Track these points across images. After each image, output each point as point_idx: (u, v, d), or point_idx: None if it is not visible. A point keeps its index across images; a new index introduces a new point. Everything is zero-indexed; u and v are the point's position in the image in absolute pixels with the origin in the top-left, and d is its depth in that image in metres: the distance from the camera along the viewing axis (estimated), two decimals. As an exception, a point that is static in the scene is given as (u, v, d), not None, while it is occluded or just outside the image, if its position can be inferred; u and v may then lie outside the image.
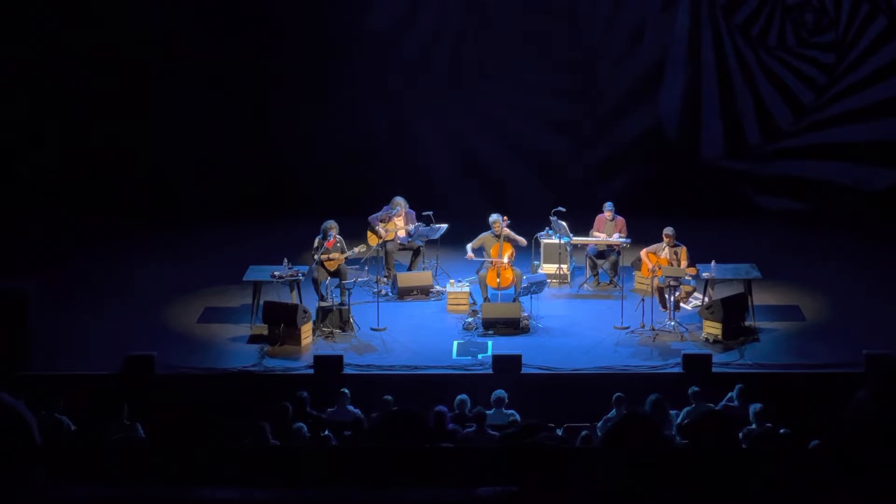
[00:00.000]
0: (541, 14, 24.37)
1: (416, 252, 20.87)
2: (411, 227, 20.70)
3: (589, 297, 20.25)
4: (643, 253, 19.53)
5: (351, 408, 15.95)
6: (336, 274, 19.46)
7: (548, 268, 20.66)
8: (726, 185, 24.56)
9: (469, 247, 19.73)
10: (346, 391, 16.10)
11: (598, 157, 24.71)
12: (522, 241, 19.84)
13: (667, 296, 18.87)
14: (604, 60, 24.52)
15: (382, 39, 24.52)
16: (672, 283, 18.77)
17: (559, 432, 14.42)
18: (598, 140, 24.71)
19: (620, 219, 20.55)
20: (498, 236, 19.67)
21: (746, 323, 18.69)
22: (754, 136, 24.66)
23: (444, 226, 20.81)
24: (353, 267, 20.21)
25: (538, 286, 19.22)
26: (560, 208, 20.58)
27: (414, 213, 20.91)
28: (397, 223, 20.69)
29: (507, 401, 15.68)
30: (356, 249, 19.67)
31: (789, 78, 24.57)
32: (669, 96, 24.60)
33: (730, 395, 15.86)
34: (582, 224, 20.82)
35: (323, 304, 19.01)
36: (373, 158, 24.71)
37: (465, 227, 20.96)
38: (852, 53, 24.41)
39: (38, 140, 24.23)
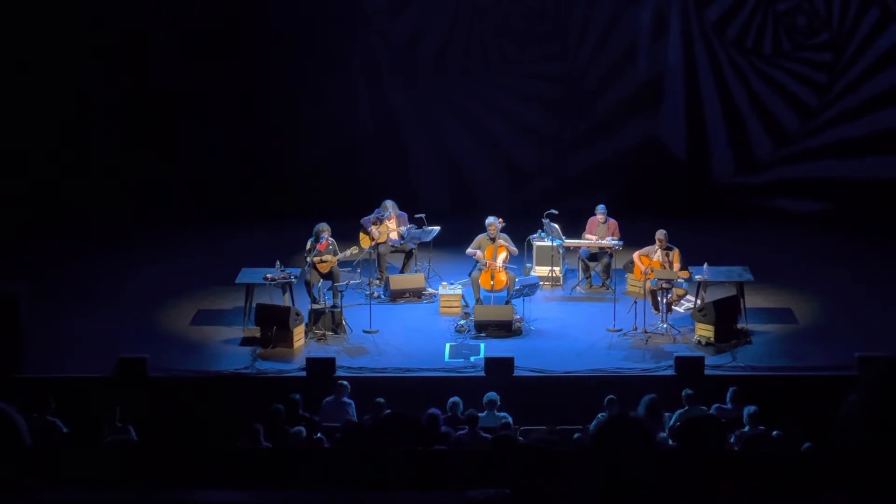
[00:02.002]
0: (536, 21, 24.43)
1: (409, 254, 20.87)
2: (403, 229, 20.70)
3: (581, 300, 20.26)
4: (636, 255, 19.53)
5: (346, 398, 16.01)
6: (328, 276, 19.46)
7: (540, 270, 20.67)
8: (722, 189, 24.62)
9: (469, 251, 19.74)
10: (346, 383, 16.18)
11: (591, 163, 24.72)
12: (514, 249, 19.82)
13: (659, 298, 18.87)
14: (594, 74, 24.56)
15: (374, 40, 24.55)
16: (664, 285, 18.78)
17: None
18: (590, 147, 24.71)
19: (613, 221, 20.56)
20: (493, 239, 19.67)
21: (739, 325, 18.71)
22: (764, 148, 24.76)
23: (437, 228, 20.80)
24: (346, 269, 20.21)
25: (530, 288, 19.22)
26: (552, 211, 20.58)
27: (406, 215, 20.91)
28: (389, 225, 20.69)
29: (499, 403, 15.68)
30: (348, 252, 19.67)
31: (791, 83, 24.65)
32: (672, 119, 24.70)
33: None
34: (574, 227, 20.84)
35: (315, 306, 19.00)
36: (366, 161, 24.72)
37: (458, 229, 21.01)
38: (849, 49, 24.48)
39: (33, 142, 24.22)
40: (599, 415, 15.28)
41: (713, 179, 24.70)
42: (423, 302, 20.09)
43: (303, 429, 14.42)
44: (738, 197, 24.51)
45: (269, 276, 19.14)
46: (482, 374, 17.35)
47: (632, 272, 20.06)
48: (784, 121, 24.69)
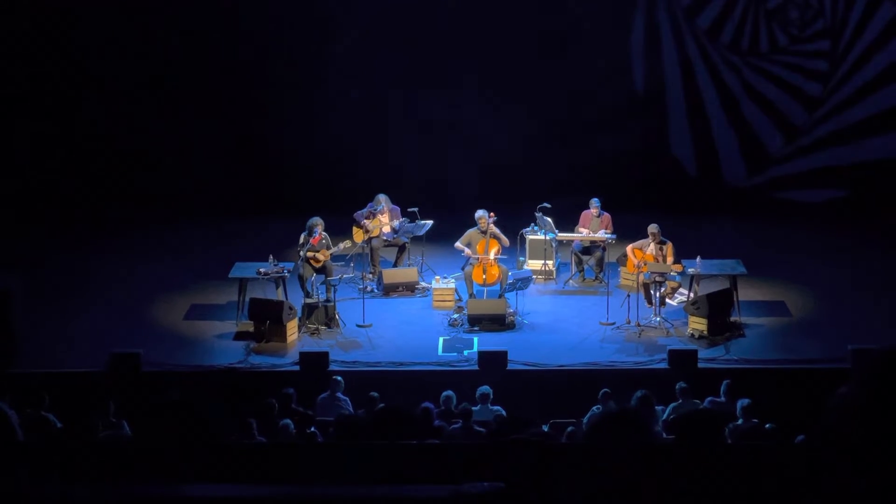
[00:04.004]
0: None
1: (402, 248, 20.87)
2: (396, 223, 20.70)
3: (574, 293, 20.27)
4: (629, 249, 19.54)
5: (340, 395, 16.02)
6: (322, 271, 19.46)
7: (533, 264, 20.67)
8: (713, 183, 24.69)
9: (458, 245, 19.74)
10: (340, 379, 16.19)
11: (585, 159, 24.73)
12: (505, 240, 19.82)
13: (652, 292, 18.89)
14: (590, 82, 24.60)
15: (363, 36, 24.54)
16: (658, 278, 18.79)
17: (545, 428, 14.43)
18: (586, 144, 24.72)
19: (606, 215, 20.57)
20: (484, 233, 19.67)
21: (732, 318, 18.72)
22: (774, 145, 24.87)
23: (430, 222, 20.82)
24: (339, 263, 20.21)
25: (523, 282, 19.23)
26: (545, 204, 20.59)
27: (399, 209, 20.91)
28: (382, 219, 20.69)
29: (492, 397, 15.69)
30: (341, 246, 19.66)
31: (793, 76, 24.75)
32: (679, 134, 24.85)
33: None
34: (567, 220, 20.85)
35: (308, 300, 19.00)
36: (358, 156, 24.72)
37: (450, 223, 21.01)
38: (846, 35, 24.55)
39: (26, 137, 24.20)
40: (594, 408, 15.29)
41: (728, 184, 24.77)
42: (416, 296, 20.10)
43: (290, 422, 14.41)
44: (751, 195, 24.62)
45: (262, 270, 19.13)
46: (476, 367, 17.36)
47: (625, 266, 20.08)
48: (791, 115, 24.82)
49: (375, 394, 15.38)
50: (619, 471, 5.84)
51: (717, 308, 18.36)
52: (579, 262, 20.63)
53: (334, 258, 19.80)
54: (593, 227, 20.52)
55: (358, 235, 20.58)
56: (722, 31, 24.70)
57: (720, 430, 13.48)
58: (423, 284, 20.29)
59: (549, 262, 20.64)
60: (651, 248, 19.23)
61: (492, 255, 19.51)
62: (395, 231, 20.71)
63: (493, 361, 17.33)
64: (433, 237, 21.03)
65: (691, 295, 19.15)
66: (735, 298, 18.94)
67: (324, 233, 19.52)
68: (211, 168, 24.60)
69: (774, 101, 24.82)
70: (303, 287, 19.34)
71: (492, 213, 19.85)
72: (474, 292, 19.48)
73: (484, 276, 19.42)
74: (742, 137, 24.92)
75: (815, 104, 24.84)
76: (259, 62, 24.52)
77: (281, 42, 24.43)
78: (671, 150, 24.95)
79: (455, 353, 17.98)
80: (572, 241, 20.61)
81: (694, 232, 21.98)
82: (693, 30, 24.69)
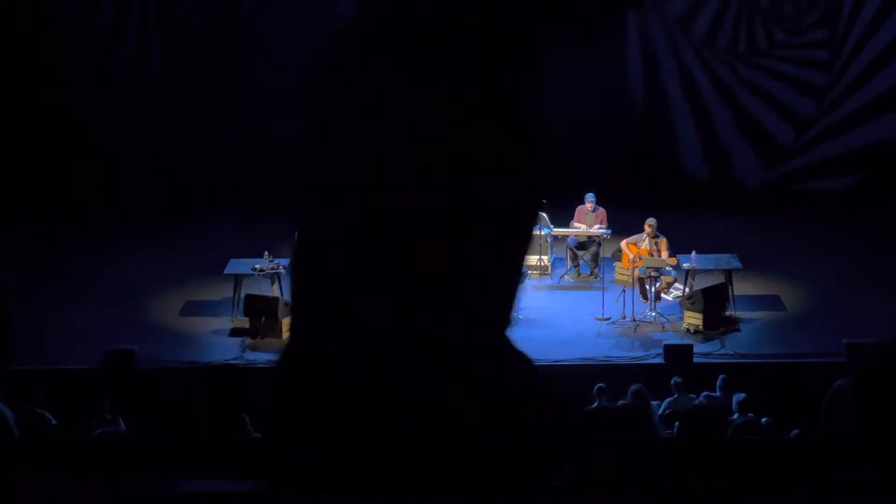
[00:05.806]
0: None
1: (397, 244, 20.85)
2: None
3: (570, 289, 20.28)
4: (624, 244, 19.55)
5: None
6: (317, 266, 19.43)
7: (528, 259, 20.63)
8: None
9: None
10: None
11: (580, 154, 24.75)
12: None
13: (647, 286, 18.89)
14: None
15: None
16: (653, 273, 18.80)
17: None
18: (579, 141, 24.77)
19: (601, 210, 20.57)
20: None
21: (727, 313, 18.74)
22: (786, 137, 24.89)
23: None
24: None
25: (519, 278, 19.21)
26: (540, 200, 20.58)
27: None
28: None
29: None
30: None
31: (794, 69, 24.85)
32: (685, 138, 24.88)
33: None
34: (563, 215, 20.85)
35: (304, 296, 18.97)
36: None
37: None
38: (843, 18, 24.64)
39: (18, 132, 24.21)
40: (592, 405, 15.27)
41: (743, 186, 24.79)
42: (411, 292, 20.08)
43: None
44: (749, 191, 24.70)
45: (257, 266, 19.13)
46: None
47: (620, 261, 20.08)
48: (798, 108, 24.90)
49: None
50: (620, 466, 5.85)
51: (712, 303, 18.37)
52: (574, 258, 20.63)
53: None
54: (588, 222, 20.52)
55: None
56: (717, 36, 24.77)
57: (723, 426, 13.53)
58: (419, 280, 20.27)
59: (545, 258, 20.64)
60: (646, 242, 19.23)
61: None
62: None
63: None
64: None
65: (687, 289, 19.16)
66: (730, 293, 18.95)
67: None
68: (207, 165, 24.61)
69: (779, 96, 24.85)
70: (298, 283, 19.31)
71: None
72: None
73: (479, 272, 19.41)
74: (750, 135, 24.96)
75: (820, 93, 24.87)
76: (256, 59, 24.53)
77: (279, 39, 24.45)
78: (680, 159, 25.02)
79: (450, 349, 17.95)
80: (567, 236, 20.61)
81: (689, 227, 21.95)
82: (688, 37, 24.74)
